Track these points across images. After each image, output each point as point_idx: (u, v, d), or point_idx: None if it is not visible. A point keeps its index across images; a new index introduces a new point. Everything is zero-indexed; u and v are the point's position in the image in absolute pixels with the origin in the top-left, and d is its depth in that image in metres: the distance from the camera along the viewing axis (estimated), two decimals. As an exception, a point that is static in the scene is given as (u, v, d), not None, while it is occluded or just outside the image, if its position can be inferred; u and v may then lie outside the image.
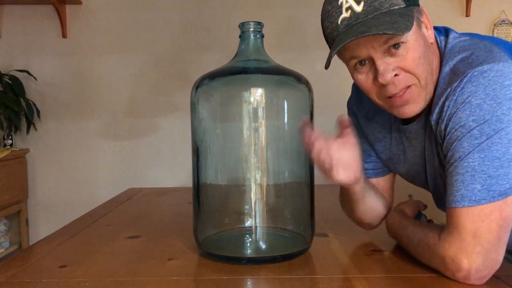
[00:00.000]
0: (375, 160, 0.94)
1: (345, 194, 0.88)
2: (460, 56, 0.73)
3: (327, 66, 0.73)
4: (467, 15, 2.45)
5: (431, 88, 0.75)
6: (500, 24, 2.47)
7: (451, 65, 0.74)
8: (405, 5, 0.71)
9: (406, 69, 0.72)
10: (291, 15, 2.49)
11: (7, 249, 2.38)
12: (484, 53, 0.71)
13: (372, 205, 0.90)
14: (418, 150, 0.84)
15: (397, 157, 0.90)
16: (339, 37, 0.72)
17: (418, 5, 0.74)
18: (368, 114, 0.92)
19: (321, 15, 0.76)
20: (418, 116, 0.79)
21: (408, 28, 0.68)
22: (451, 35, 0.78)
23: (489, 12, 2.47)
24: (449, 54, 0.75)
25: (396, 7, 0.70)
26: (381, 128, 0.91)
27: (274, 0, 2.50)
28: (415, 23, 0.71)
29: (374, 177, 0.94)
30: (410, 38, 0.71)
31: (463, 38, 0.77)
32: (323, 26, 0.76)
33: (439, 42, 0.79)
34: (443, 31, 0.81)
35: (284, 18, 2.50)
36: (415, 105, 0.75)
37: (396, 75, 0.72)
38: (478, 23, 2.45)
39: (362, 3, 0.70)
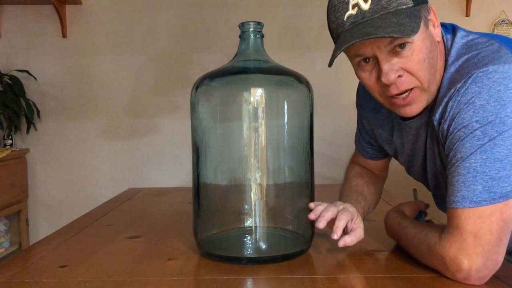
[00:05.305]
0: (377, 149, 1.03)
1: None
2: (466, 56, 0.73)
3: (330, 64, 0.73)
4: (467, 15, 2.45)
5: (434, 88, 0.75)
6: (500, 24, 2.47)
7: (457, 66, 0.73)
8: (413, 4, 0.70)
9: (410, 71, 0.72)
10: (291, 15, 2.49)
11: (7, 249, 2.38)
12: (491, 54, 0.70)
13: (374, 202, 1.02)
14: (419, 145, 0.85)
15: (400, 150, 0.92)
16: (344, 34, 0.71)
17: (426, 2, 0.73)
18: (376, 105, 0.93)
19: (327, 8, 0.75)
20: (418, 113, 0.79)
21: (414, 31, 0.67)
22: (459, 34, 0.77)
23: (489, 12, 2.47)
24: (455, 55, 0.75)
25: (404, 7, 0.69)
26: (388, 120, 0.92)
27: (274, 0, 2.50)
28: (422, 23, 0.70)
29: (371, 160, 1.07)
30: (417, 38, 0.70)
31: (471, 37, 0.76)
32: (328, 19, 0.75)
33: (445, 40, 0.78)
34: (450, 29, 0.80)
35: (284, 18, 2.49)
36: (416, 105, 0.75)
37: (399, 76, 0.72)
38: (478, 23, 2.45)
39: (369, 1, 0.69)
